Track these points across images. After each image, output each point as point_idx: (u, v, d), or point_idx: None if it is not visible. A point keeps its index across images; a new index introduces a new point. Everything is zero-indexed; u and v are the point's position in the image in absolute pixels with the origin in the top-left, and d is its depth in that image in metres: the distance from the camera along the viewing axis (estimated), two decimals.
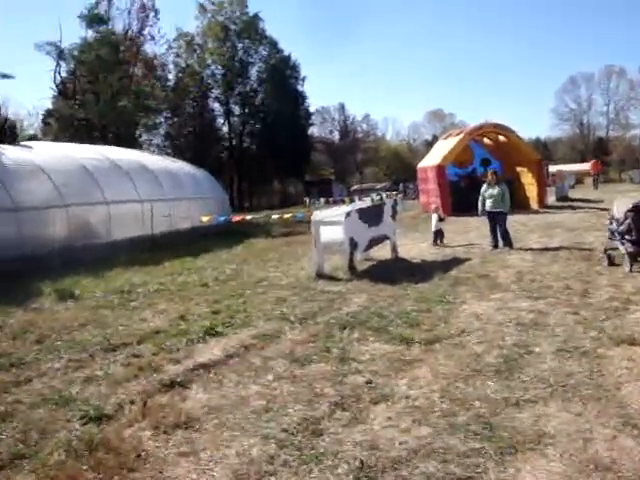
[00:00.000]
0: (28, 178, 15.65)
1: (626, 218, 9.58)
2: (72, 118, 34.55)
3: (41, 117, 40.35)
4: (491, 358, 5.53)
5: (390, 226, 11.99)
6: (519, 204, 22.44)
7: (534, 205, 22.47)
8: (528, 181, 23.09)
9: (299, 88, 56.65)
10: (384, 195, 15.57)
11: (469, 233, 15.89)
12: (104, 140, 37.89)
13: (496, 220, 12.62)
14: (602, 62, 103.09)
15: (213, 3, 53.53)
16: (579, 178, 47.04)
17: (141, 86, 39.96)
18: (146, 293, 10.15)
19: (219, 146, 56.67)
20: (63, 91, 37.14)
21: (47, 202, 15.57)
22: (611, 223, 10.30)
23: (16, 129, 31.22)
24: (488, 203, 12.65)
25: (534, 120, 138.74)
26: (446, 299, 8.05)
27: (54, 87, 37.35)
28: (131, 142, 40.66)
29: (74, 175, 17.19)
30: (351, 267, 10.41)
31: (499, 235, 12.62)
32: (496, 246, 12.57)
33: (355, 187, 61.76)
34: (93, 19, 35.94)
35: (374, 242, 11.42)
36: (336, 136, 74.27)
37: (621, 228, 9.67)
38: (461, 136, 22.31)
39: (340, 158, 71.23)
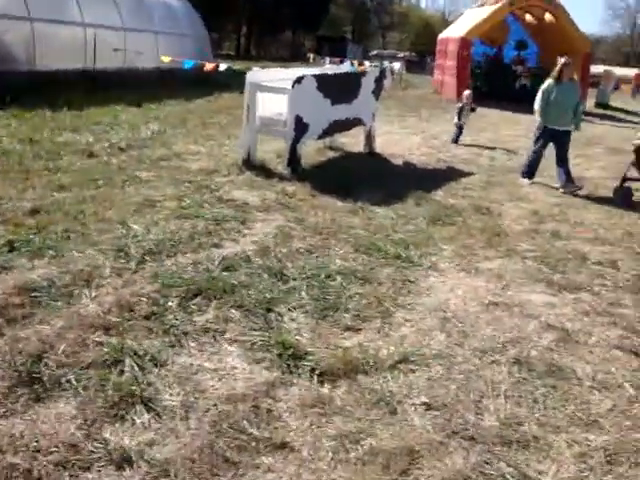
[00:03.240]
0: None
1: None
2: None
3: None
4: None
5: (368, 107, 8.38)
6: None
7: None
8: None
9: None
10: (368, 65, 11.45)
11: (484, 132, 12.11)
12: None
13: (558, 142, 7.63)
14: None
15: None
16: (617, 84, 41.75)
17: None
18: None
19: None
20: None
21: None
22: None
23: None
24: (553, 113, 7.53)
25: (586, 11, 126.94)
26: (407, 255, 4.71)
27: None
28: None
29: None
30: (292, 161, 7.00)
31: (557, 166, 7.65)
32: (531, 176, 7.85)
33: (375, 52, 56.30)
34: None
35: (339, 127, 7.91)
36: None
37: None
38: (499, 5, 17.66)
39: (362, 18, 64.34)
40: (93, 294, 3.61)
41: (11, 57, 13.33)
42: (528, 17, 19.83)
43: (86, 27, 14.99)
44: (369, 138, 8.65)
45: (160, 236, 4.66)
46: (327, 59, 29.70)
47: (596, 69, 35.91)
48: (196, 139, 9.15)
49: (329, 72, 7.89)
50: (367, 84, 8.21)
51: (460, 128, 10.44)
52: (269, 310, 3.60)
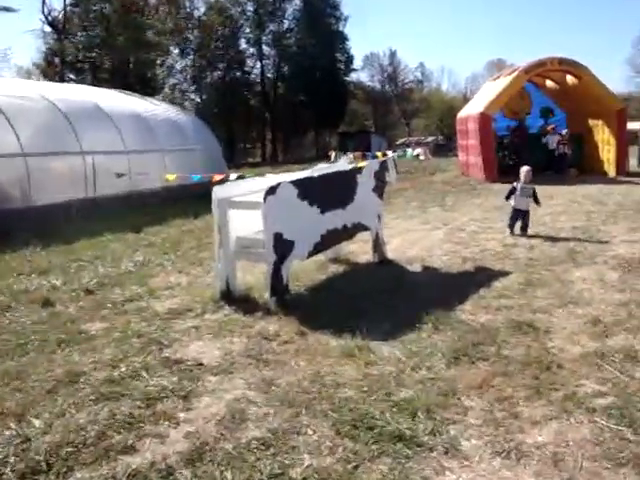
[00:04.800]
0: None
1: None
2: (64, 55, 30.09)
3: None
4: None
5: (370, 208, 7.02)
6: (590, 169, 16.95)
7: (610, 171, 16.82)
8: (603, 138, 17.32)
9: (340, 29, 50.64)
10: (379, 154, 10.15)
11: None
12: (111, 82, 33.58)
13: None
14: None
15: None
16: None
17: (148, 18, 34.92)
18: None
19: (250, 92, 51.58)
20: (52, 23, 32.55)
21: None
22: None
23: None
24: None
25: (607, 74, 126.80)
26: (413, 432, 3.13)
27: (43, 18, 32.68)
28: (146, 85, 36.25)
29: None
30: (276, 289, 5.60)
31: None
32: None
33: (401, 140, 56.22)
34: None
35: (336, 238, 6.54)
36: (383, 84, 67.65)
37: None
38: (514, 75, 16.53)
39: (383, 108, 64.84)
40: None
41: (5, 196, 12.74)
42: (549, 83, 18.68)
43: (84, 155, 14.45)
44: (377, 245, 7.23)
45: (58, 437, 3.27)
46: (348, 155, 29.11)
47: (633, 125, 34.17)
48: (183, 267, 7.94)
49: (314, 174, 6.61)
50: (365, 182, 6.89)
51: (518, 212, 8.58)
52: None
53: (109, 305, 6.21)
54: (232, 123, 50.51)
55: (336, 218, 6.36)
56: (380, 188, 7.20)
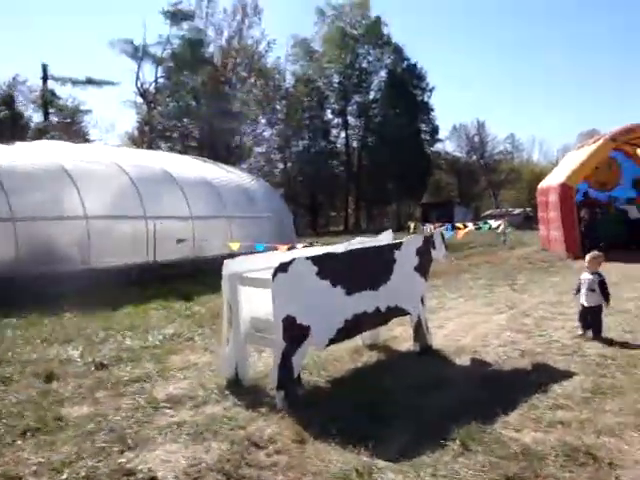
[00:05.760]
0: None
1: None
2: (152, 125, 31.41)
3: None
4: None
5: (410, 289, 6.13)
6: None
7: None
8: None
9: (425, 99, 50.65)
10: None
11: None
12: (199, 150, 34.64)
13: None
14: None
15: (333, 7, 49.18)
16: None
17: (237, 91, 36.10)
18: None
19: (334, 161, 52.05)
20: (143, 94, 34.23)
21: None
22: None
23: None
24: None
25: None
26: None
27: (136, 90, 34.50)
28: (231, 153, 37.19)
29: (42, 179, 12.97)
30: (284, 383, 4.77)
31: None
32: None
33: (488, 212, 54.64)
34: (177, 15, 32.63)
35: (366, 324, 5.65)
36: (470, 155, 66.64)
37: None
38: (600, 143, 15.22)
39: (469, 179, 63.64)
40: None
41: (66, 257, 12.77)
42: None
43: (147, 220, 14.40)
44: (419, 332, 6.26)
45: None
46: (427, 226, 28.17)
47: None
48: (211, 343, 7.30)
49: (340, 249, 5.84)
50: (405, 259, 6.03)
51: (586, 310, 6.69)
52: None
53: (110, 385, 5.62)
54: (316, 191, 50.98)
55: (366, 300, 5.51)
56: (424, 266, 6.30)
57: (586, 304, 6.67)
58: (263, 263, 5.49)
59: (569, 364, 5.64)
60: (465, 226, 16.91)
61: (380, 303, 5.68)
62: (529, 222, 39.40)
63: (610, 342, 6.41)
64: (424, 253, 6.30)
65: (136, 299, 10.90)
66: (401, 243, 6.06)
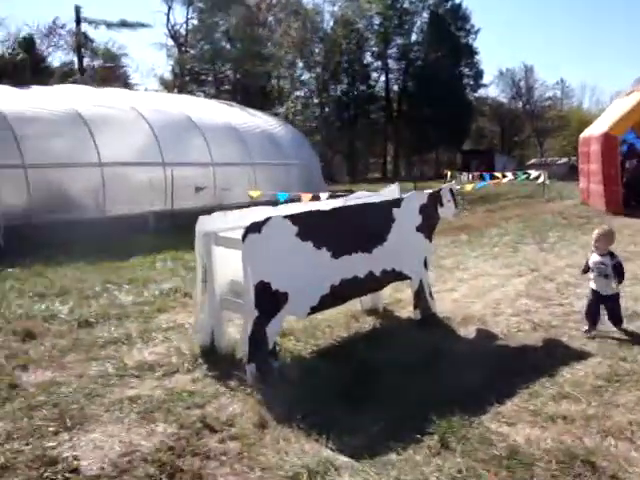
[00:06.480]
0: None
1: None
2: (183, 68, 30.60)
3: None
4: None
5: (411, 252, 5.53)
6: None
7: None
8: None
9: (469, 42, 48.39)
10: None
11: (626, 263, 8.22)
12: (232, 94, 33.89)
13: None
14: None
15: None
16: None
17: (272, 33, 34.80)
18: None
19: (373, 106, 50.60)
20: (174, 36, 33.33)
21: None
22: None
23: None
24: None
25: None
26: None
27: (167, 32, 33.56)
28: (266, 97, 36.30)
29: (55, 125, 12.60)
30: (255, 355, 4.29)
31: None
32: None
33: (532, 161, 52.79)
34: None
35: (356, 289, 5.08)
36: (515, 101, 63.84)
37: None
38: None
39: (512, 126, 61.16)
40: None
41: (79, 205, 12.52)
42: None
43: (165, 166, 13.99)
44: (420, 298, 5.68)
45: None
46: (464, 175, 26.98)
47: None
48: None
49: (327, 206, 5.24)
50: (406, 218, 5.39)
51: (599, 297, 5.24)
52: None
53: (85, 348, 5.27)
54: (354, 137, 49.87)
55: (357, 264, 4.95)
56: (428, 226, 5.67)
57: (603, 292, 5.21)
58: (243, 220, 4.94)
59: (586, 342, 5.00)
60: (504, 176, 16.07)
61: (374, 267, 5.11)
62: (574, 173, 37.73)
63: (635, 315, 5.68)
64: (429, 211, 5.66)
65: (147, 249, 10.59)
66: (401, 200, 5.42)
